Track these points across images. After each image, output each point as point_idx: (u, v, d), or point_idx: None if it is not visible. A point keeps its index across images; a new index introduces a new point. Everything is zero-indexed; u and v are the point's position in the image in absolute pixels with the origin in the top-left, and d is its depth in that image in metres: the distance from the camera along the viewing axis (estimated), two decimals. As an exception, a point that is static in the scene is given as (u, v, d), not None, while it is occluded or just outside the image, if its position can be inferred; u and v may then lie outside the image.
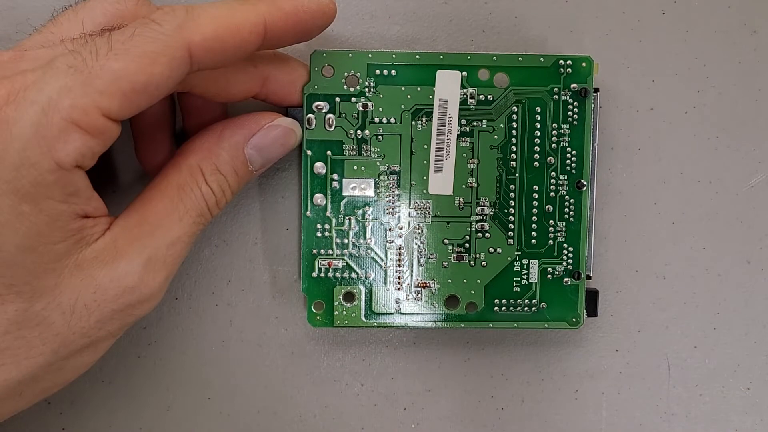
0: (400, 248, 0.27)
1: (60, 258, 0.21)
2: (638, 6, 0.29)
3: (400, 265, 0.27)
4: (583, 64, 0.27)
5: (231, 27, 0.22)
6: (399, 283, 0.27)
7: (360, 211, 0.27)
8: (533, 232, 0.27)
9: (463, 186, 0.27)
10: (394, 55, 0.26)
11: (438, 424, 0.29)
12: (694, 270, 0.30)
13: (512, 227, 0.27)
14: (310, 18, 0.24)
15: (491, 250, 0.27)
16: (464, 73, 0.27)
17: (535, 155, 0.27)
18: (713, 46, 0.29)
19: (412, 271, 0.27)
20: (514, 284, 0.27)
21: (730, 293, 0.30)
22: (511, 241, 0.27)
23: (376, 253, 0.27)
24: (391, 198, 0.27)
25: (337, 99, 0.26)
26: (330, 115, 0.27)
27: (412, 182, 0.27)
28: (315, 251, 0.27)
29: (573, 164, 0.27)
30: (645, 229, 0.29)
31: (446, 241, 0.27)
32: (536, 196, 0.27)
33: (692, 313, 0.30)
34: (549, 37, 0.28)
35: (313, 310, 0.27)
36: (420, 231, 0.27)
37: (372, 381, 0.29)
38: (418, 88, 0.27)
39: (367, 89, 0.27)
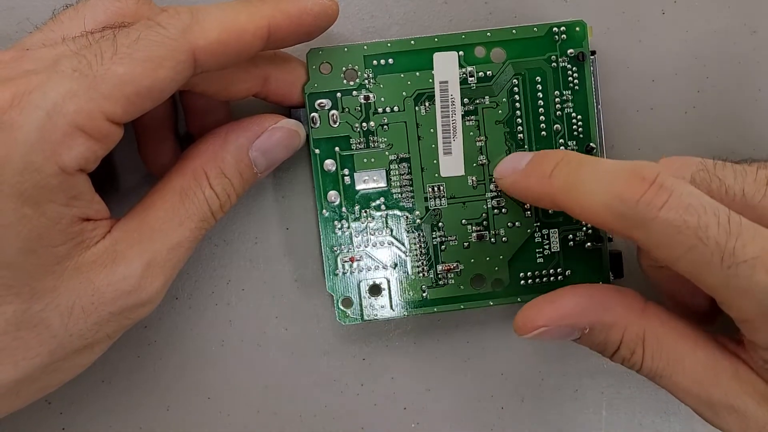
0: (419, 235, 0.27)
1: (60, 260, 0.21)
2: (638, 6, 0.29)
3: (421, 252, 0.27)
4: (577, 28, 0.27)
5: (235, 30, 0.22)
6: (423, 269, 0.27)
7: (375, 203, 0.27)
8: (549, 202, 0.27)
9: (474, 164, 0.27)
10: (389, 44, 0.27)
11: (438, 424, 0.29)
12: None
13: (528, 199, 0.27)
14: (313, 20, 0.24)
15: (510, 224, 0.27)
16: (461, 52, 0.27)
17: (542, 125, 0.27)
18: (713, 46, 0.29)
19: (434, 255, 0.27)
20: (537, 256, 0.27)
21: None
22: (528, 213, 0.27)
23: (396, 243, 0.27)
24: (404, 185, 0.27)
25: (339, 94, 0.27)
26: (333, 111, 0.27)
27: (423, 167, 0.27)
28: (336, 249, 0.27)
29: (580, 129, 0.27)
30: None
31: (464, 221, 0.27)
32: (548, 166, 0.27)
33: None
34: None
35: (342, 308, 0.27)
36: (437, 215, 0.27)
37: (372, 381, 0.29)
38: (417, 73, 0.27)
39: (366, 81, 0.27)
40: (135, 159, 0.27)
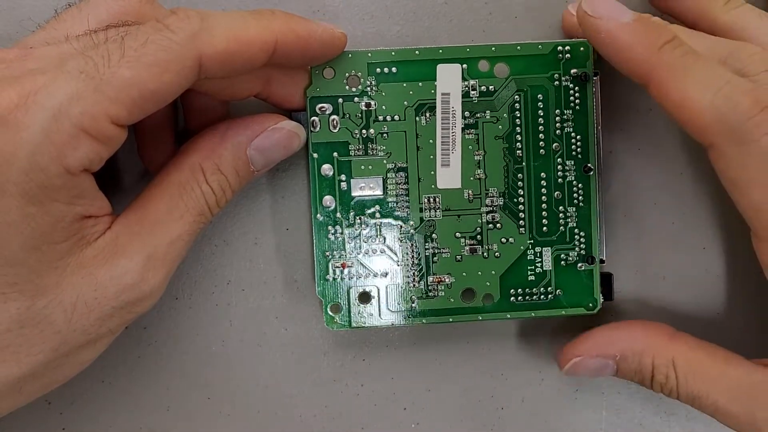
0: (412, 245, 0.27)
1: (62, 257, 0.21)
2: (638, 6, 0.29)
3: (413, 262, 0.27)
4: (582, 48, 0.27)
5: (243, 42, 0.22)
6: (414, 279, 0.27)
7: (370, 210, 0.27)
8: (544, 220, 0.27)
9: (471, 178, 0.27)
10: (393, 53, 0.27)
11: (438, 424, 0.29)
12: (694, 270, 0.29)
13: (523, 216, 0.27)
14: (319, 46, 0.24)
15: (503, 240, 0.27)
16: (464, 65, 0.27)
17: (541, 142, 0.27)
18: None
19: (426, 266, 0.27)
20: (529, 273, 0.27)
21: (730, 293, 0.30)
22: (522, 230, 0.27)
23: (388, 252, 0.27)
24: (400, 195, 0.27)
25: (340, 100, 0.27)
26: (334, 117, 0.27)
27: (420, 178, 0.27)
28: (328, 254, 0.27)
29: (579, 149, 0.27)
30: (645, 229, 0.29)
31: (458, 234, 0.27)
32: (544, 184, 0.27)
33: (692, 313, 0.30)
34: (549, 38, 0.28)
35: (330, 313, 0.27)
36: (431, 226, 0.27)
37: (372, 381, 0.29)
38: (420, 84, 0.27)
39: (368, 88, 0.27)
40: (136, 155, 0.27)
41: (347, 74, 0.26)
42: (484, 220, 0.27)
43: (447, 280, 0.27)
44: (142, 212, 0.23)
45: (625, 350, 0.26)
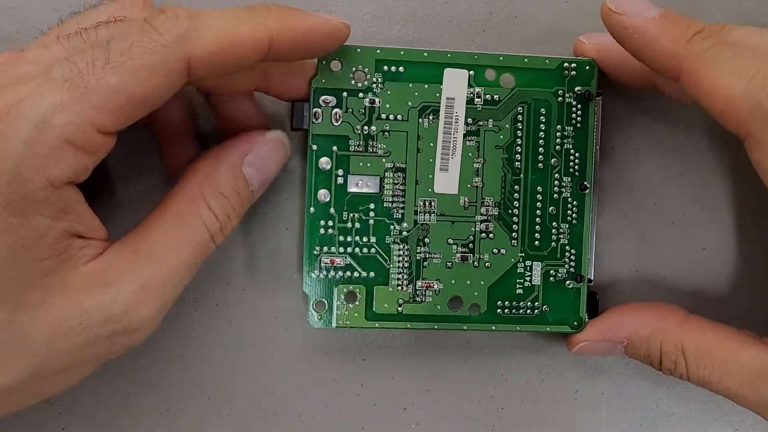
0: (404, 247, 0.27)
1: (46, 274, 0.21)
2: None
3: (403, 265, 0.27)
4: (587, 67, 0.27)
5: (234, 41, 0.21)
6: (402, 283, 0.27)
7: (364, 208, 0.26)
8: (537, 234, 0.27)
9: (469, 185, 0.27)
10: (402, 52, 0.26)
11: (438, 424, 0.29)
12: (694, 270, 0.30)
13: (516, 228, 0.27)
14: (320, 40, 0.23)
15: (495, 250, 0.27)
16: (471, 72, 0.27)
17: (540, 156, 0.27)
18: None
19: (415, 270, 0.27)
20: (517, 286, 0.27)
21: (730, 293, 0.30)
22: (514, 242, 0.27)
23: (379, 252, 0.27)
24: (396, 195, 0.27)
25: (345, 94, 0.26)
26: (337, 110, 0.26)
27: (418, 180, 0.27)
28: (317, 249, 0.26)
29: (576, 166, 0.27)
30: (645, 229, 0.30)
31: (450, 240, 0.27)
32: (540, 198, 0.27)
33: (692, 313, 0.30)
34: (549, 38, 0.29)
35: (314, 310, 0.26)
36: (425, 230, 0.27)
37: (372, 381, 0.29)
38: (426, 86, 0.27)
39: (374, 85, 0.26)
40: (132, 170, 0.27)
41: (354, 69, 0.26)
42: (477, 229, 0.27)
43: (435, 286, 0.27)
44: (138, 241, 0.22)
45: (631, 336, 0.26)
